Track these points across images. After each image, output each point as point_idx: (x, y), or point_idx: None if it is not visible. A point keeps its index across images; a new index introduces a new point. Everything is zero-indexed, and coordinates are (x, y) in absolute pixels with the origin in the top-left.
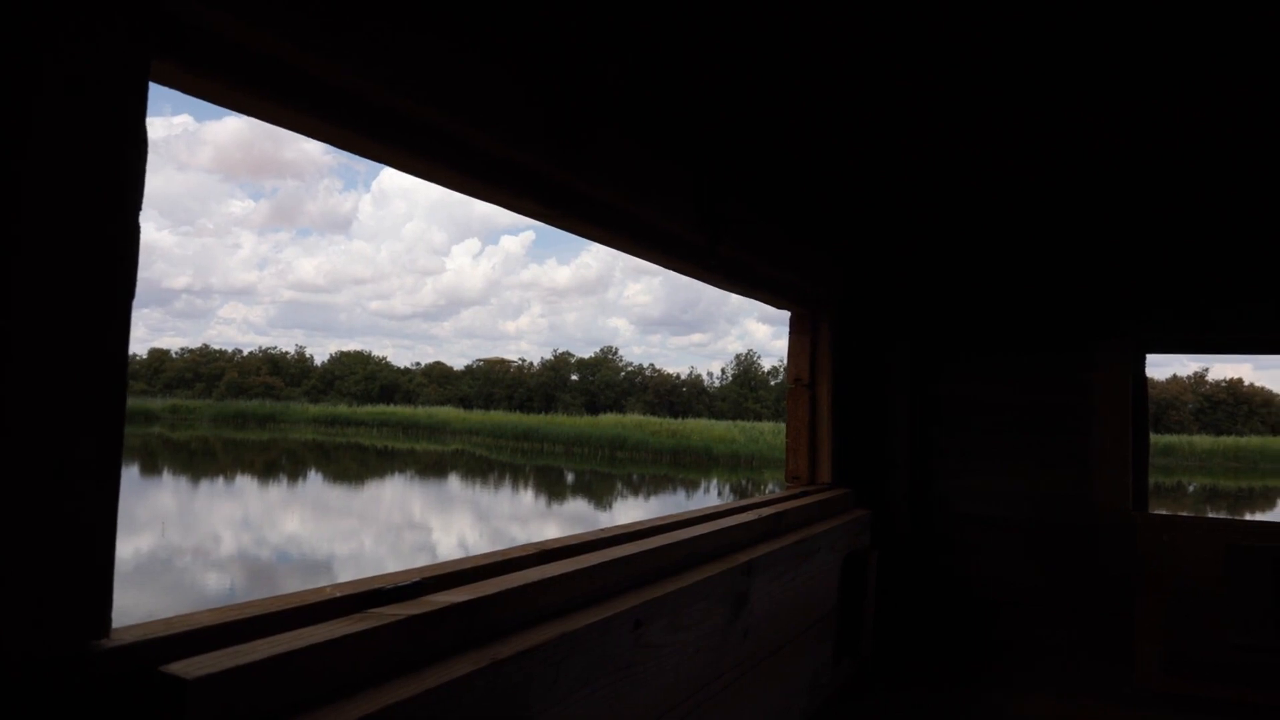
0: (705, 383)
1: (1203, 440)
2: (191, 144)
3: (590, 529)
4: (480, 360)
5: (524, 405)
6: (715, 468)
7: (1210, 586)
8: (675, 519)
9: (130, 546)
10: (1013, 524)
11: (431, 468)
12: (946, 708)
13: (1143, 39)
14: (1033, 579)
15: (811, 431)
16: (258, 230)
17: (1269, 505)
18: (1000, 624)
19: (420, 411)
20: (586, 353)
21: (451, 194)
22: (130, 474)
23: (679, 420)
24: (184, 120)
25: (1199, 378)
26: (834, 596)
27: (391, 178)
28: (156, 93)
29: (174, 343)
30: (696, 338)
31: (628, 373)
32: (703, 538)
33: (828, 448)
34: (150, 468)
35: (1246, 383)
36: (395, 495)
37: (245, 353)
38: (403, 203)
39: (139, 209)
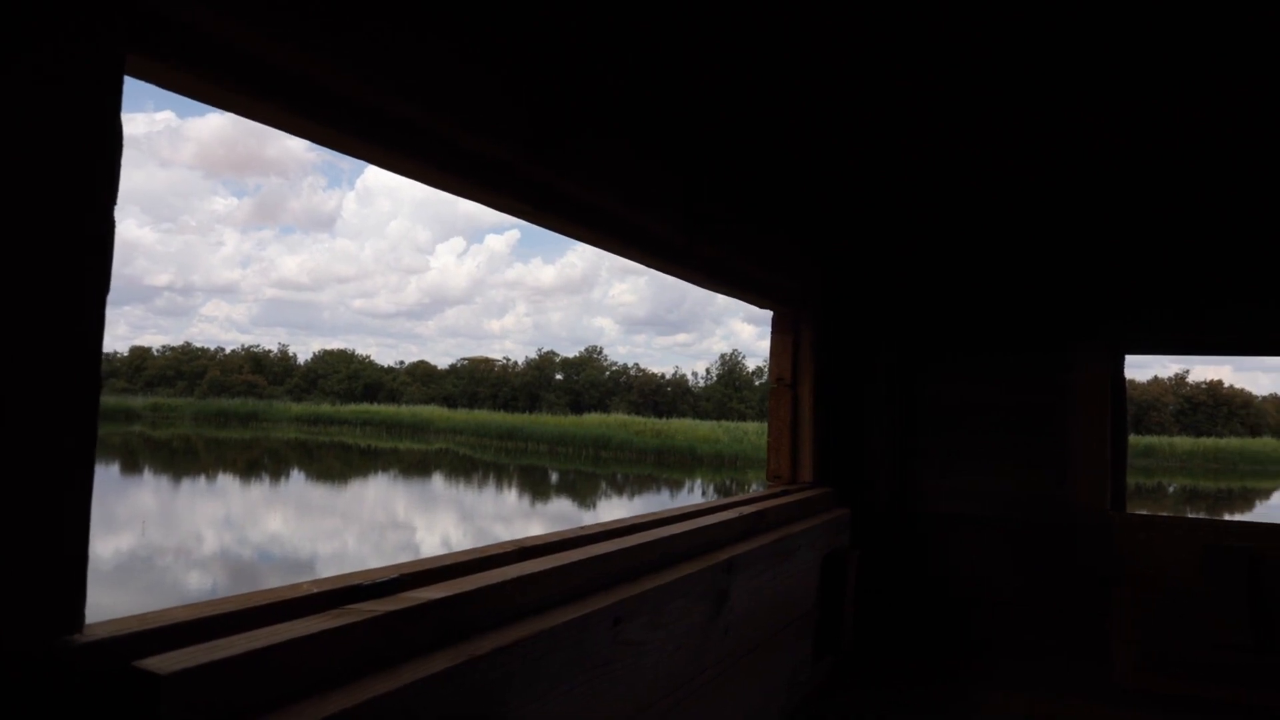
0: (690, 383)
1: (1183, 441)
2: (174, 140)
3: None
4: (464, 359)
5: (508, 404)
6: (699, 468)
7: (1188, 586)
8: (656, 517)
9: (110, 546)
10: (993, 523)
11: (415, 467)
12: (925, 705)
13: (1129, 46)
14: (1012, 578)
15: (793, 431)
16: (241, 227)
17: (1247, 506)
18: (979, 622)
19: (404, 410)
20: (571, 352)
21: (436, 192)
22: (111, 473)
23: (664, 420)
24: (166, 116)
25: (1180, 379)
26: (814, 594)
27: (376, 176)
28: (138, 88)
29: (156, 340)
30: (681, 338)
31: (612, 372)
32: (683, 535)
33: (809, 447)
34: (131, 466)
35: (1226, 384)
36: (379, 494)
37: (228, 351)
38: (387, 201)
39: (114, 203)
